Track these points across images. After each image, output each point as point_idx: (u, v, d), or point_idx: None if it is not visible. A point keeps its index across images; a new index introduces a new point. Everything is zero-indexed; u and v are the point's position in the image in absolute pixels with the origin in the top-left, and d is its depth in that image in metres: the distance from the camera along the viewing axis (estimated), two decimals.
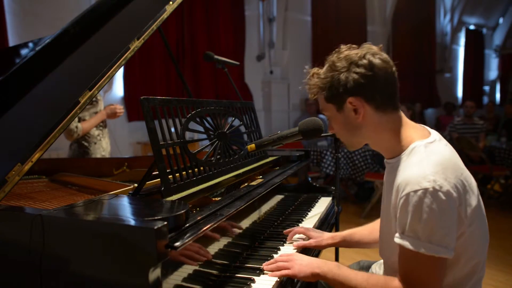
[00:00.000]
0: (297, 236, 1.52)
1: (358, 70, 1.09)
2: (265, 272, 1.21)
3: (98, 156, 2.97)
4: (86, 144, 2.91)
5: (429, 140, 1.10)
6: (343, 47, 1.16)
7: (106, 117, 3.00)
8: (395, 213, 1.06)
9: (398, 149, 1.13)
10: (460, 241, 1.04)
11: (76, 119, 2.77)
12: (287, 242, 1.49)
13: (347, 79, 1.10)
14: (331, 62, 1.14)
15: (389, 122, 1.13)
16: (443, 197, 0.96)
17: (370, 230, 1.51)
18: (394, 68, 1.14)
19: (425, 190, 0.96)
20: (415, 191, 0.97)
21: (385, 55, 1.13)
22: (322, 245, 1.49)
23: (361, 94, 1.10)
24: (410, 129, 1.15)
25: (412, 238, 0.99)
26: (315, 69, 1.20)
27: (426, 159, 1.03)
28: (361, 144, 1.22)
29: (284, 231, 1.54)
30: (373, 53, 1.11)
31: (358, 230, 1.53)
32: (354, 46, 1.16)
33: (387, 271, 1.28)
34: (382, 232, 1.26)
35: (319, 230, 1.54)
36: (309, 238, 1.49)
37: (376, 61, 1.09)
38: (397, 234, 1.04)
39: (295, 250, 1.43)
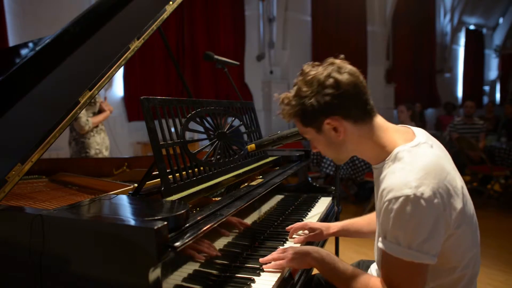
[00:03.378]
0: (300, 232, 1.59)
1: (327, 91, 1.07)
2: (261, 263, 1.25)
3: (93, 150, 3.12)
4: (82, 140, 3.12)
5: (413, 144, 1.08)
6: (306, 67, 1.15)
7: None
8: (379, 218, 1.07)
9: (383, 155, 1.12)
10: (448, 243, 1.04)
11: (85, 112, 3.02)
12: (289, 238, 1.54)
13: (318, 102, 1.08)
14: (298, 88, 1.12)
15: (370, 131, 1.13)
16: (424, 204, 0.96)
17: (368, 221, 1.55)
18: (361, 77, 1.13)
19: (407, 197, 0.96)
20: (397, 198, 0.97)
21: (349, 67, 1.12)
22: (322, 236, 1.55)
23: (336, 113, 1.09)
24: (393, 133, 1.14)
25: (393, 244, 1.00)
26: (285, 95, 1.17)
27: (409, 165, 1.02)
28: (348, 157, 1.22)
29: (286, 228, 1.58)
30: (337, 69, 1.10)
31: (356, 220, 1.59)
32: (316, 63, 1.15)
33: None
34: (376, 239, 1.27)
35: (318, 222, 1.60)
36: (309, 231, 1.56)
37: (343, 77, 1.08)
38: (380, 239, 1.05)
39: (299, 245, 1.48)
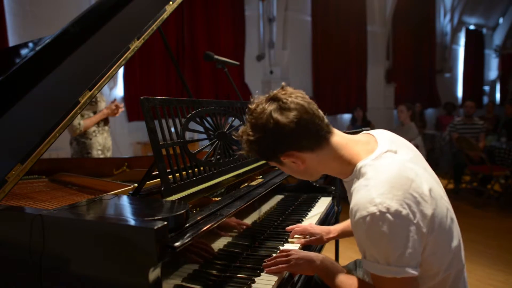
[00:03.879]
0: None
1: (270, 135, 1.06)
2: (265, 269, 1.24)
3: (95, 151, 3.07)
4: (83, 140, 3.07)
5: (374, 156, 1.07)
6: (251, 105, 1.12)
7: (107, 115, 3.09)
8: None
9: (349, 170, 1.11)
10: (425, 252, 1.02)
11: (79, 116, 2.88)
12: (289, 239, 1.54)
13: (267, 145, 1.08)
14: (247, 132, 1.10)
15: (330, 152, 1.11)
16: (392, 218, 0.94)
17: None
18: (307, 104, 1.08)
19: (372, 215, 0.95)
20: (364, 218, 0.96)
21: (291, 99, 1.07)
22: (323, 240, 1.56)
23: (288, 150, 1.09)
24: (355, 146, 1.12)
25: (372, 263, 0.99)
26: (242, 131, 1.13)
27: (372, 180, 1.00)
28: (319, 176, 1.21)
29: (287, 228, 1.59)
30: (279, 107, 1.06)
31: None
32: (262, 98, 1.12)
33: None
34: None
35: (318, 226, 1.60)
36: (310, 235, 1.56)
37: (283, 117, 1.05)
38: (362, 257, 1.05)
39: (298, 247, 1.48)
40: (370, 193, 0.97)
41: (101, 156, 3.14)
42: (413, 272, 0.96)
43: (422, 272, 1.03)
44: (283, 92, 1.10)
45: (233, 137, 1.22)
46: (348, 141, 1.13)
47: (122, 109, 3.17)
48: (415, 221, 0.97)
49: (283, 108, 1.06)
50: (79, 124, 2.92)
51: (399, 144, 1.14)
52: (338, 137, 1.13)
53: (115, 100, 3.20)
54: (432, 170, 1.16)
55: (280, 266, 1.22)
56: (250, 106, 1.12)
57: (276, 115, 1.05)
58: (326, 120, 1.12)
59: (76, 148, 3.08)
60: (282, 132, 1.05)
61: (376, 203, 0.95)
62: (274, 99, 1.09)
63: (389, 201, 0.95)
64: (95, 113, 3.07)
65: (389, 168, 1.02)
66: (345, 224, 1.60)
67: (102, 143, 3.16)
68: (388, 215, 0.94)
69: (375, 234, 0.95)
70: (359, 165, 1.07)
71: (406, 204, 0.96)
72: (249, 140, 1.10)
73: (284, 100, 1.07)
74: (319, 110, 1.11)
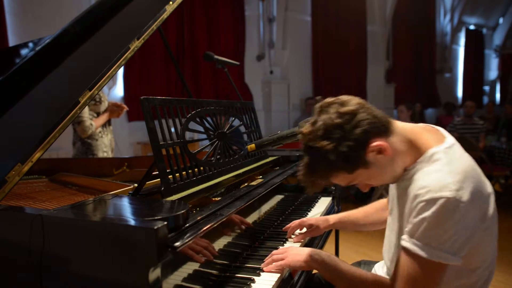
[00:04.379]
0: (297, 231, 1.58)
1: (349, 126, 1.03)
2: (263, 268, 1.24)
3: (100, 152, 3.02)
4: (89, 141, 2.98)
5: (447, 145, 1.08)
6: (304, 130, 1.07)
7: (110, 117, 3.05)
8: (407, 217, 1.04)
9: (416, 157, 1.09)
10: (475, 245, 1.05)
11: (87, 115, 2.85)
12: (288, 238, 1.54)
13: (351, 140, 1.02)
14: (320, 153, 1.03)
15: (401, 138, 1.09)
16: (462, 207, 0.96)
17: (364, 213, 1.56)
18: (360, 100, 1.09)
19: (447, 199, 0.96)
20: (435, 199, 0.96)
21: (339, 98, 1.09)
22: (320, 230, 1.56)
23: (370, 138, 1.04)
24: (423, 133, 1.12)
25: (423, 244, 0.99)
26: (303, 165, 1.10)
27: (448, 166, 1.01)
28: (402, 171, 1.13)
29: (283, 228, 1.58)
30: (337, 105, 1.06)
31: (352, 212, 1.59)
32: (310, 121, 1.09)
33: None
34: (390, 241, 1.25)
35: (314, 218, 1.60)
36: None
37: (347, 108, 1.04)
38: (405, 237, 1.02)
39: (299, 245, 1.48)
40: (445, 178, 0.99)
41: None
42: (458, 261, 0.99)
43: (463, 265, 1.04)
44: (325, 99, 1.09)
45: (300, 182, 1.13)
46: (412, 127, 1.14)
47: (126, 108, 3.11)
48: (479, 216, 1.02)
49: (341, 104, 1.05)
50: (91, 124, 2.85)
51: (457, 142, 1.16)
52: (401, 124, 1.13)
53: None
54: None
55: (278, 263, 1.22)
56: (303, 131, 1.07)
57: (340, 110, 1.04)
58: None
59: (81, 148, 2.99)
60: (354, 119, 1.03)
61: (452, 189, 0.96)
62: (324, 107, 1.07)
63: (464, 191, 0.97)
64: (98, 114, 3.04)
65: (463, 159, 1.06)
66: (343, 214, 1.60)
67: (108, 145, 3.12)
68: (461, 204, 0.96)
69: (443, 217, 0.96)
70: (431, 151, 1.07)
71: (476, 198, 1.00)
72: (326, 152, 1.02)
73: (337, 100, 1.07)
74: None
